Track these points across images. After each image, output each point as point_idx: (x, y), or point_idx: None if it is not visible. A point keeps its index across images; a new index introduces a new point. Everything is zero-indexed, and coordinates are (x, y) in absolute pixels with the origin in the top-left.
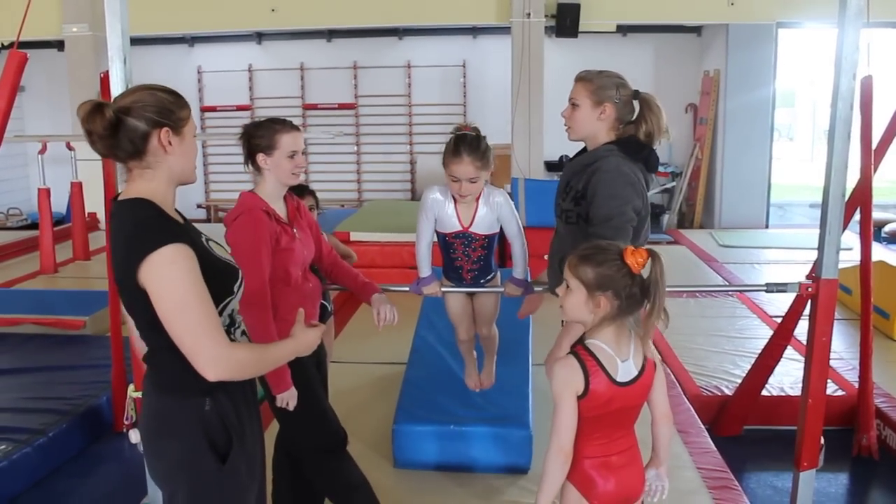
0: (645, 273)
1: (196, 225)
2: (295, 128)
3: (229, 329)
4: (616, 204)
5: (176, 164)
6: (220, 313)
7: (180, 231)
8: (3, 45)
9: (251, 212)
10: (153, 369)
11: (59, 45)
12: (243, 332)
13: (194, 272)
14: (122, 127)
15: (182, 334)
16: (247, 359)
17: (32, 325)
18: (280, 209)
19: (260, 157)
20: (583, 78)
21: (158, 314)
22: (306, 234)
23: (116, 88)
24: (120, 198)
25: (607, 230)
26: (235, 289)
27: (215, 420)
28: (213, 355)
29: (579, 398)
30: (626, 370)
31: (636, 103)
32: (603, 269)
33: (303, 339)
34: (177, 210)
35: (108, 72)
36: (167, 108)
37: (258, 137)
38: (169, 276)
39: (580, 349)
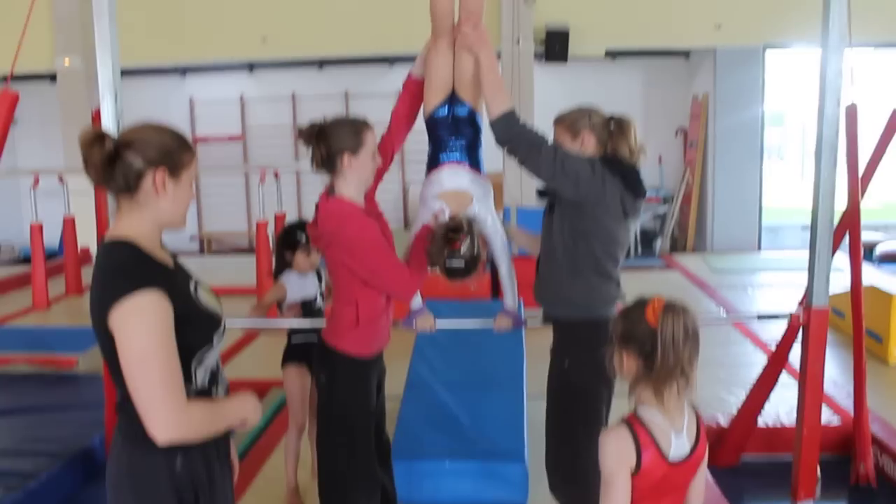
0: (669, 328)
1: (189, 258)
2: (371, 125)
3: (209, 387)
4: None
5: (166, 208)
6: (199, 364)
7: (159, 276)
8: None
9: (356, 216)
10: (125, 418)
11: (51, 77)
12: (226, 391)
13: (164, 324)
14: (119, 160)
15: (138, 388)
16: (200, 420)
17: (24, 364)
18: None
19: (346, 158)
20: (557, 120)
21: (121, 362)
22: (387, 233)
23: (108, 124)
24: (106, 237)
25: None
26: (215, 339)
27: (186, 479)
28: (165, 417)
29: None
30: (679, 446)
31: (612, 125)
32: (626, 323)
33: (250, 402)
34: (168, 250)
35: (99, 108)
36: (169, 150)
37: (342, 137)
38: (135, 324)
39: (633, 419)
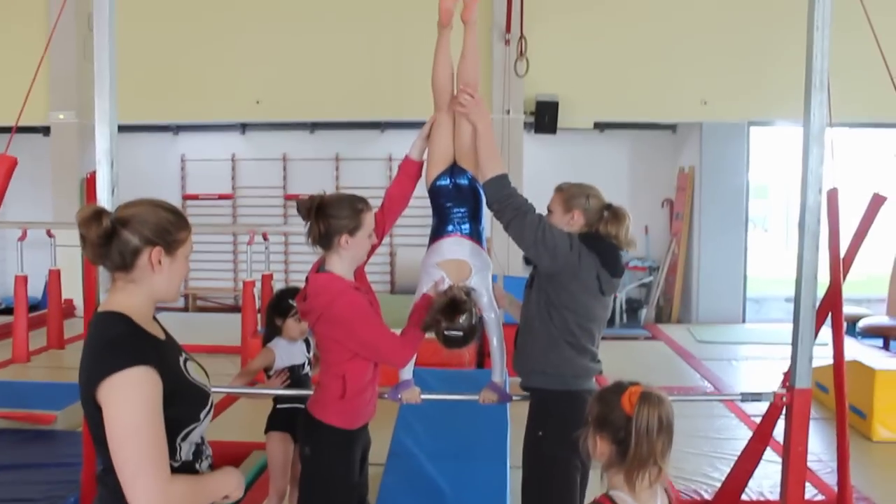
0: (644, 418)
1: (173, 314)
2: (370, 205)
3: (193, 461)
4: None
5: (161, 283)
6: (184, 439)
7: (150, 351)
8: None
9: (346, 292)
10: (106, 491)
11: (43, 129)
12: (210, 465)
13: (154, 399)
14: (116, 238)
15: (123, 462)
16: (183, 495)
17: (0, 420)
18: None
19: (343, 238)
20: (559, 189)
21: (107, 435)
22: (375, 305)
23: (102, 190)
24: (99, 309)
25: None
26: (202, 416)
27: None
28: (148, 492)
29: None
30: None
31: (607, 213)
32: (602, 407)
33: (234, 478)
34: (159, 323)
35: (94, 173)
36: (165, 228)
37: (342, 218)
38: (124, 399)
39: (605, 500)
